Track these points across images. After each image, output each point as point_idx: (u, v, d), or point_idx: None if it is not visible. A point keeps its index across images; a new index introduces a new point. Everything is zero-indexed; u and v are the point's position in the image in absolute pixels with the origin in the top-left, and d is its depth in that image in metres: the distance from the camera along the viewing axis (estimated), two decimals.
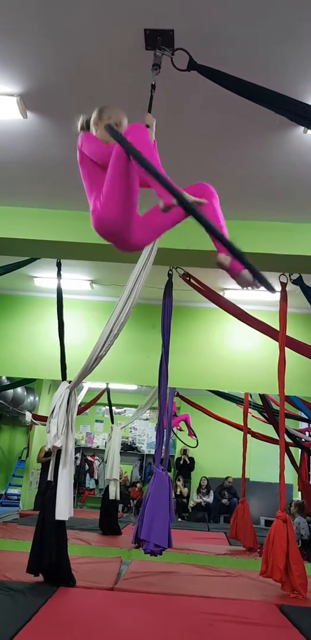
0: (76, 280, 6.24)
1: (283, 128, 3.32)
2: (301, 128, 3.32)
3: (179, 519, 9.10)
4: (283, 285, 4.97)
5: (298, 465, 7.68)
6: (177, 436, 9.49)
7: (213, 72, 2.52)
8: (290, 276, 4.97)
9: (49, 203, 4.50)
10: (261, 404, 7.09)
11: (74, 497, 5.10)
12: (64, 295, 5.09)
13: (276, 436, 6.06)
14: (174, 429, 9.10)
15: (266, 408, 6.98)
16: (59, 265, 5.12)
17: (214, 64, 2.55)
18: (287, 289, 4.99)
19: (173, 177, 3.99)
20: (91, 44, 2.79)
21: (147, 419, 10.66)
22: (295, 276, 4.96)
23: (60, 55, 2.88)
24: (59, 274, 5.13)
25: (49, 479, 4.31)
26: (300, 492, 7.79)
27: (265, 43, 2.72)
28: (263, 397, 6.89)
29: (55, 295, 5.06)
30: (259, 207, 4.42)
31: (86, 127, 2.37)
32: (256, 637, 3.25)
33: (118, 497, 7.18)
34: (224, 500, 9.33)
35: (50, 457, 4.39)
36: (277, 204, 4.32)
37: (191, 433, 9.33)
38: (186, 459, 10.08)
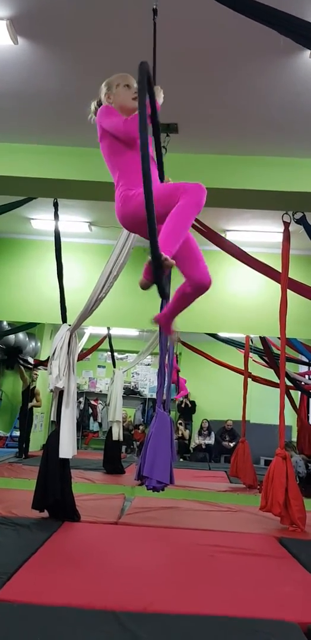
0: (74, 222, 6.13)
1: (287, 53, 3.14)
2: (308, 53, 3.14)
3: (181, 459, 9.33)
4: (286, 224, 4.86)
5: (298, 407, 7.82)
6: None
7: None
8: (293, 215, 4.85)
9: (44, 138, 4.32)
10: (261, 348, 7.12)
11: (78, 440, 5.17)
12: (62, 239, 4.99)
13: (276, 380, 6.10)
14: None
15: (266, 351, 7.00)
16: (56, 205, 4.99)
17: None
18: (290, 229, 4.88)
19: (169, 112, 3.71)
20: None
21: (149, 364, 10.76)
22: (298, 215, 4.84)
23: None
24: (56, 215, 5.01)
25: (52, 419, 4.37)
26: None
27: None
28: (263, 339, 6.90)
29: (53, 238, 4.97)
30: (261, 141, 4.24)
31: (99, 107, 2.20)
32: (257, 568, 3.35)
33: (121, 438, 7.31)
34: (225, 443, 9.55)
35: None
36: (280, 137, 4.15)
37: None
38: (188, 402, 10.24)
